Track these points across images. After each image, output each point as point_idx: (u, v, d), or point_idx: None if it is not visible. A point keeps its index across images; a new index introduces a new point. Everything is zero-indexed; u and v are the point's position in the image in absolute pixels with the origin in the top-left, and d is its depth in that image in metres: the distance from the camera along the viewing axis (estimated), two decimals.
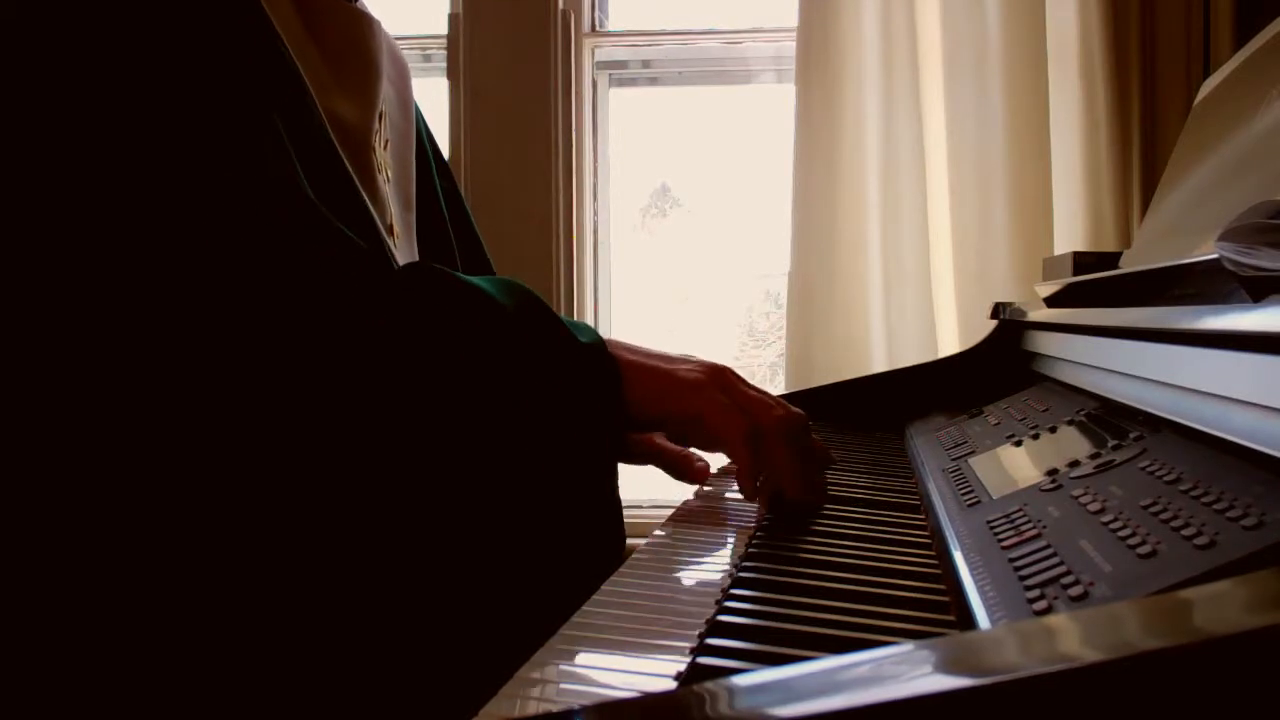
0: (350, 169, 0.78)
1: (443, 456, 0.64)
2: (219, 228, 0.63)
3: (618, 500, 0.74)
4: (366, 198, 0.80)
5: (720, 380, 0.72)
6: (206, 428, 0.62)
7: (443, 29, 1.78)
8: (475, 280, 0.69)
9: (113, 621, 0.63)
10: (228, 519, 0.63)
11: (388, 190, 0.85)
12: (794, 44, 1.62)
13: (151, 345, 0.61)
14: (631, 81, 1.92)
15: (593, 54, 1.83)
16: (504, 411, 0.65)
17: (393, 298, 0.66)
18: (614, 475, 0.74)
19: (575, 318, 1.75)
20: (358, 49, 0.83)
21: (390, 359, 0.64)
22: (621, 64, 1.88)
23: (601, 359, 0.69)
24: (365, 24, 0.84)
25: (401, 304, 0.66)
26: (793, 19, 1.63)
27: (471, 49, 1.74)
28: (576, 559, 0.69)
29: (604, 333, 0.79)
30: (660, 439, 0.82)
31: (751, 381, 0.75)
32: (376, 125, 0.84)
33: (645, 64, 1.90)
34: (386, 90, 0.87)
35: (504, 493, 0.66)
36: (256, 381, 0.62)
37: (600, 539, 0.71)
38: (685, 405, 0.70)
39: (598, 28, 1.84)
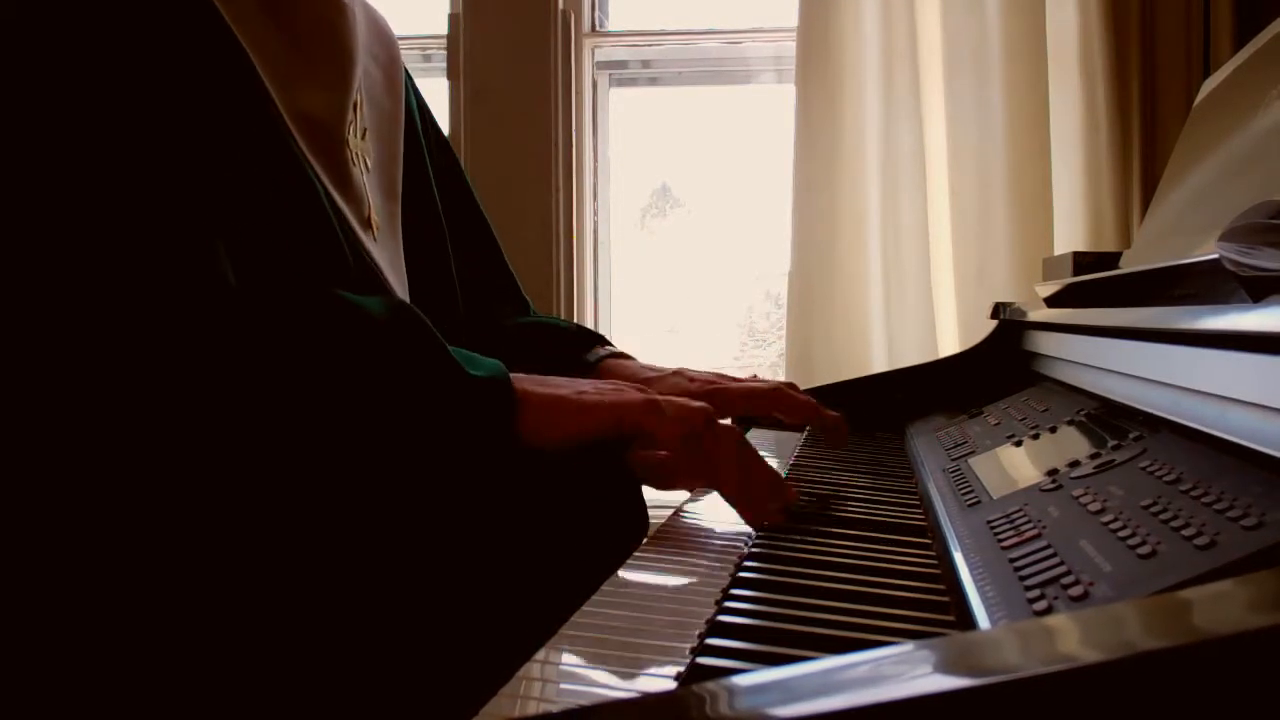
0: (315, 165, 0.76)
1: (317, 471, 0.63)
2: (77, 254, 0.59)
3: (594, 511, 0.73)
4: (336, 193, 0.78)
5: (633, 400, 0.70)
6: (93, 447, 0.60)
7: (443, 29, 1.78)
8: (369, 306, 0.67)
9: (101, 626, 0.63)
10: (195, 526, 0.63)
11: (365, 180, 0.83)
12: (794, 44, 1.62)
13: (38, 355, 0.59)
14: (632, 81, 1.92)
15: (593, 54, 1.83)
16: (379, 428, 0.64)
17: (270, 323, 0.63)
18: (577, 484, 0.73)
19: (575, 318, 1.75)
20: (328, 35, 0.80)
21: (268, 372, 0.62)
22: (622, 64, 1.88)
23: (494, 387, 0.68)
24: (337, 8, 0.81)
25: (276, 329, 0.63)
26: (793, 19, 1.63)
27: (471, 49, 1.74)
28: (557, 567, 0.69)
29: (604, 333, 0.78)
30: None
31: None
32: (351, 114, 0.82)
33: (645, 64, 1.90)
34: (369, 72, 0.85)
35: (398, 504, 0.66)
36: (141, 399, 0.59)
37: (570, 546, 0.70)
38: (593, 422, 0.69)
39: (598, 28, 1.84)
